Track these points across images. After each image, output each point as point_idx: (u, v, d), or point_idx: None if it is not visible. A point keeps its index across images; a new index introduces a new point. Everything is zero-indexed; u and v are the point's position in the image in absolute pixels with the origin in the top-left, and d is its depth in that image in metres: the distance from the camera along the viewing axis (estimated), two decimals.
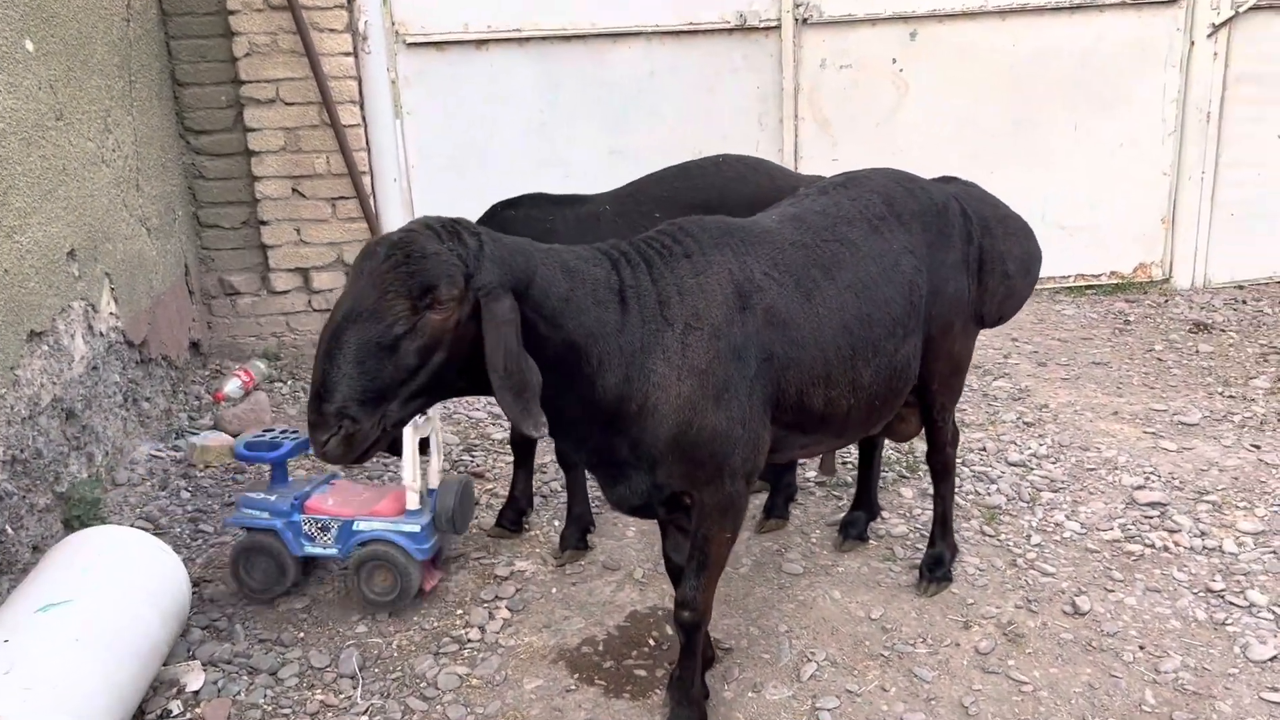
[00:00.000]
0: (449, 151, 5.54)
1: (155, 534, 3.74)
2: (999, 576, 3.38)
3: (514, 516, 3.72)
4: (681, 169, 3.63)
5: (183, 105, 5.14)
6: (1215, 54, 5.91)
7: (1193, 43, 5.91)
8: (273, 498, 3.30)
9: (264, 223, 5.28)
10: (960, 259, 2.93)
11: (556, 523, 3.79)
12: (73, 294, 3.83)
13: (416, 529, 3.20)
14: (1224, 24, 5.85)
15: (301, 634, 3.18)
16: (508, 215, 3.40)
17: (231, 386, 4.91)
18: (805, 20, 5.70)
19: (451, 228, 2.16)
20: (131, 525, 3.77)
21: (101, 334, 4.06)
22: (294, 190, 5.27)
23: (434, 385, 2.16)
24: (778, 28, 5.69)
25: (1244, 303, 6.00)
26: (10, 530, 3.27)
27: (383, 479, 4.17)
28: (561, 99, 5.62)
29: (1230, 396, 4.71)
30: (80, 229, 3.92)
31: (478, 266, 2.11)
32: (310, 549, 3.29)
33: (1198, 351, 5.28)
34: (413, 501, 3.24)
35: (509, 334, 2.09)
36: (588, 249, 2.42)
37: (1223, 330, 5.57)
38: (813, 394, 2.57)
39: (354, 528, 3.22)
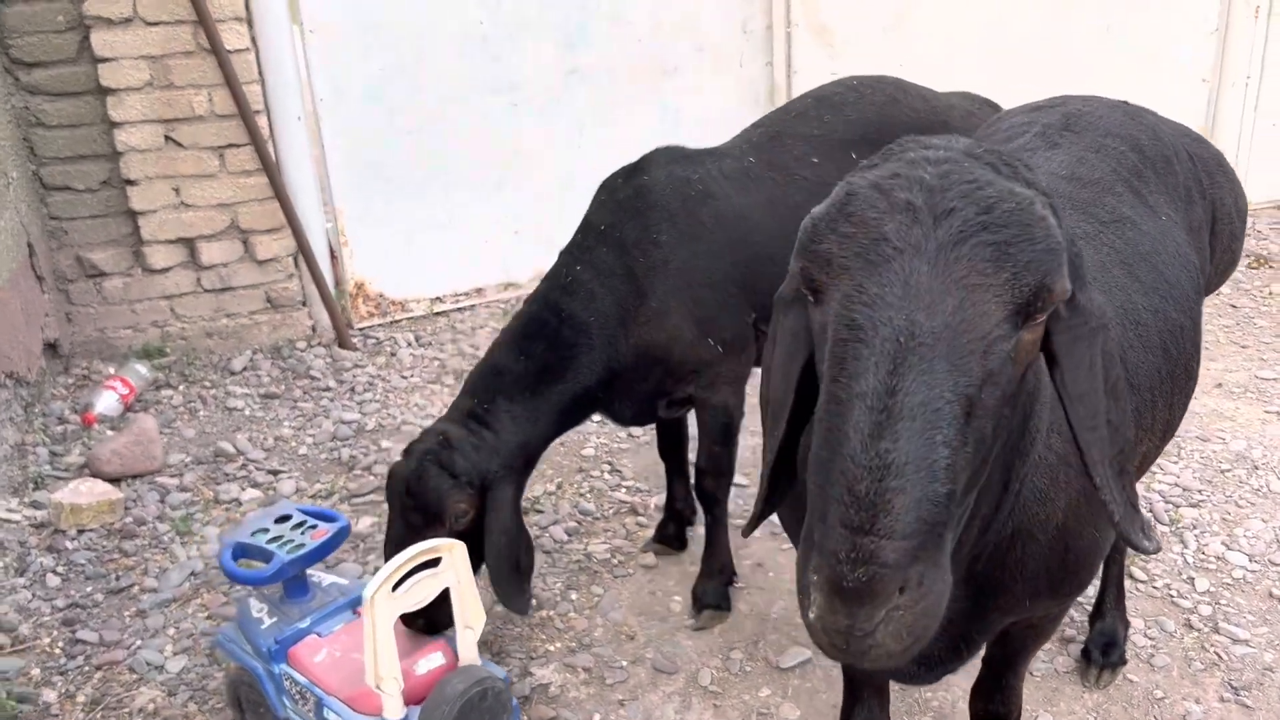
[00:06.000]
0: (368, 78, 4.35)
1: (14, 650, 2.69)
2: (1179, 648, 2.57)
3: (677, 529, 3.05)
4: (819, 100, 2.90)
5: (4, 28, 3.84)
6: None
7: None
8: (266, 624, 2.21)
9: (131, 182, 4.05)
10: (1201, 220, 2.10)
11: (574, 595, 2.84)
12: None
13: None
14: None
15: None
16: (644, 182, 2.59)
17: (105, 403, 3.76)
18: None
19: (1001, 159, 1.21)
20: None
21: None
22: (168, 138, 4.04)
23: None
24: None
25: None
26: None
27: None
28: (506, 5, 4.47)
29: None
30: None
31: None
32: (291, 714, 2.21)
33: (1272, 294, 4.54)
34: (391, 710, 2.02)
35: (1110, 344, 1.26)
36: None
37: None
38: None
39: (324, 712, 2.12)
